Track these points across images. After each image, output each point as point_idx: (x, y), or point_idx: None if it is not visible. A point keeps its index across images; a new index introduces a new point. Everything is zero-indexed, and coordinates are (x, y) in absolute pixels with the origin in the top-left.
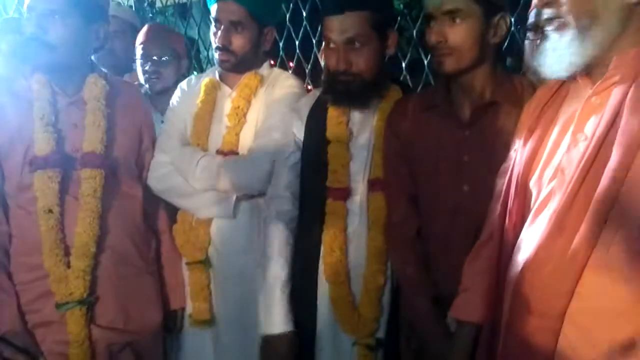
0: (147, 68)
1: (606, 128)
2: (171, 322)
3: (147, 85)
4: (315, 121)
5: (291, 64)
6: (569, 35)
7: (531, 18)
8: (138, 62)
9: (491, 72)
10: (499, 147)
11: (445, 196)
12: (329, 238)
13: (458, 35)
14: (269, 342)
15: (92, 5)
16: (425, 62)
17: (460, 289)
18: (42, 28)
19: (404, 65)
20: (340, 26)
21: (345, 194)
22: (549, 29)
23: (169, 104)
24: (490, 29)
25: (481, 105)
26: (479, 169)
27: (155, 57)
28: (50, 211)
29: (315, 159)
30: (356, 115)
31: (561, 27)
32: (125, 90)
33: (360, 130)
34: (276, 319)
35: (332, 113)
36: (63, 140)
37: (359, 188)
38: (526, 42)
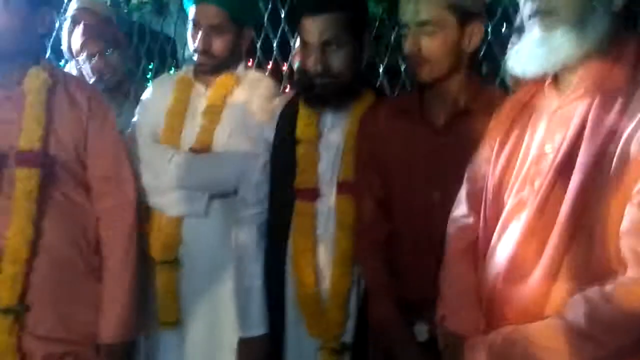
0: (93, 65)
1: (571, 142)
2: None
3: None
4: (286, 121)
5: (268, 66)
6: (562, 30)
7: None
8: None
9: (466, 80)
10: (471, 155)
11: (416, 202)
12: (297, 240)
13: (432, 45)
14: (245, 345)
15: None
16: (402, 68)
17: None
18: None
19: (381, 71)
20: (317, 28)
21: (314, 194)
22: (538, 23)
23: (125, 97)
24: (465, 37)
25: (455, 113)
26: (451, 177)
27: (99, 52)
28: None
29: (285, 159)
30: (328, 116)
31: (554, 22)
32: (73, 83)
33: (331, 131)
34: (253, 321)
35: (303, 113)
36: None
37: (328, 189)
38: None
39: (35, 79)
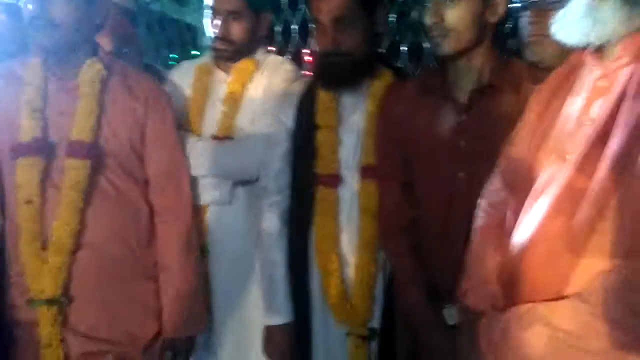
0: None
1: (611, 111)
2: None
3: None
4: (306, 107)
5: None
6: (611, 2)
7: None
8: None
9: (490, 53)
10: (496, 133)
11: (440, 183)
12: (320, 226)
13: (455, 15)
14: (271, 333)
15: None
16: (428, 46)
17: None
18: (44, 6)
19: (405, 49)
20: (327, 6)
21: (336, 180)
22: None
23: None
24: (488, 8)
25: (479, 88)
26: (476, 155)
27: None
28: (30, 202)
29: (305, 145)
30: (347, 100)
31: None
32: (132, 78)
33: (351, 115)
34: (278, 309)
35: (322, 98)
36: (50, 127)
37: (350, 175)
38: (521, 20)
39: (90, 71)
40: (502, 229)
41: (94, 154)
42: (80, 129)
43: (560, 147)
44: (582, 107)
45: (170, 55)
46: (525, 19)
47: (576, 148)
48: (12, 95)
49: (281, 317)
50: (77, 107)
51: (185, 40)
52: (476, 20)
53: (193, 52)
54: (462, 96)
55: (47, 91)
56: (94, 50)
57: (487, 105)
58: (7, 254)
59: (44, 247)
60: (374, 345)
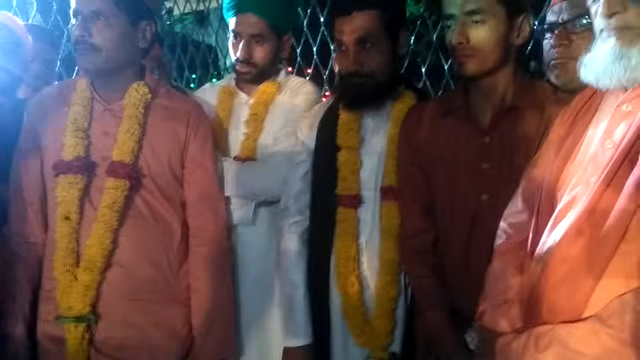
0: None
1: (635, 134)
2: None
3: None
4: (327, 128)
5: (309, 70)
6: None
7: (551, 17)
8: None
9: (513, 75)
10: (519, 155)
11: (463, 206)
12: (340, 248)
13: (481, 35)
14: (290, 354)
15: (137, 5)
16: (446, 67)
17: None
18: (87, 31)
19: (423, 70)
20: (350, 27)
21: (356, 201)
22: (613, 34)
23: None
24: (514, 30)
25: (502, 110)
26: (499, 177)
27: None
28: (68, 218)
29: (326, 166)
30: (369, 121)
31: (633, 37)
32: (174, 101)
33: (373, 136)
34: (297, 330)
35: (344, 119)
36: (93, 147)
37: (371, 196)
38: (544, 41)
39: (135, 93)
40: (523, 250)
41: (132, 175)
42: (121, 150)
43: (583, 169)
44: (605, 130)
45: (192, 77)
46: (548, 42)
47: (599, 171)
48: (59, 114)
49: (300, 339)
50: (120, 129)
51: (206, 61)
52: (501, 41)
53: (214, 73)
54: (485, 118)
55: (93, 112)
56: (141, 74)
57: (510, 128)
58: (44, 269)
59: (77, 264)
60: None
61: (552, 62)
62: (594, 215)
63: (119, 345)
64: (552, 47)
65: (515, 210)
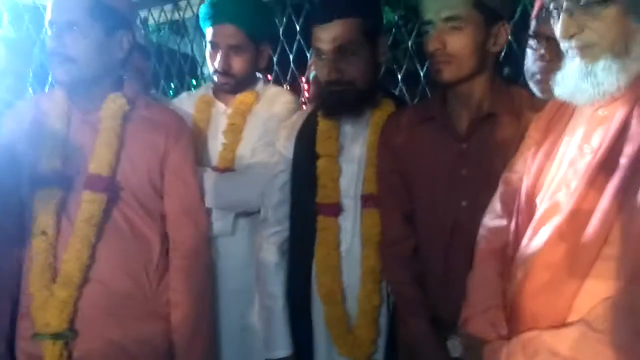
0: None
1: (613, 138)
2: None
3: None
4: (306, 136)
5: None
6: (604, 61)
7: (535, 27)
8: None
9: (490, 82)
10: (498, 160)
11: (443, 212)
12: (321, 257)
13: (458, 42)
14: None
15: (113, 14)
16: (422, 74)
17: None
18: (62, 41)
19: (399, 77)
20: (330, 35)
21: (336, 209)
22: (577, 53)
23: None
24: (491, 37)
25: (479, 116)
26: (478, 183)
27: None
28: (44, 233)
29: (306, 174)
30: (347, 129)
31: (596, 53)
32: (154, 112)
33: (352, 144)
34: (277, 342)
35: (322, 127)
36: (70, 160)
37: (351, 204)
38: (528, 50)
39: (112, 104)
40: (503, 255)
41: (110, 188)
42: (98, 163)
43: (562, 174)
44: (582, 135)
45: (169, 85)
46: (533, 53)
47: (578, 176)
48: (34, 128)
49: (281, 351)
50: (97, 141)
51: (182, 70)
52: (478, 48)
53: (191, 82)
54: (462, 125)
55: (69, 124)
56: (119, 85)
57: (488, 134)
58: (22, 285)
59: (53, 280)
60: None
61: (537, 75)
62: (576, 219)
63: None
64: (538, 59)
65: (494, 216)
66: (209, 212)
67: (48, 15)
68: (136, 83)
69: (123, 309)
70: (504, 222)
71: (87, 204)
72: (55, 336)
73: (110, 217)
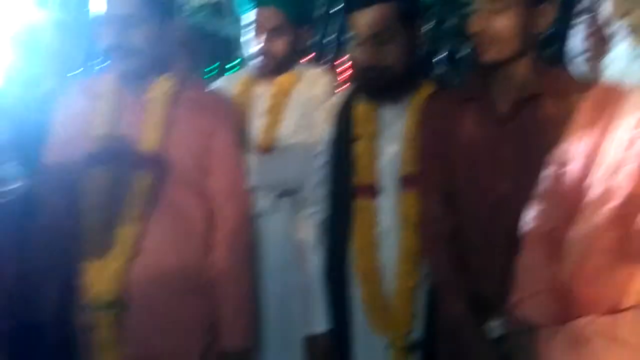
0: None
1: None
2: None
3: None
4: (344, 118)
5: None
6: None
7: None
8: None
9: (534, 63)
10: (541, 142)
11: (483, 194)
12: (359, 237)
13: (503, 22)
14: (310, 342)
15: (166, 4)
16: (464, 55)
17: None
18: (124, 35)
19: (441, 57)
20: (366, 21)
21: (374, 191)
22: (630, 37)
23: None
24: (536, 17)
25: (522, 98)
26: (520, 165)
27: None
28: (96, 209)
29: (344, 156)
30: (386, 112)
31: None
32: (202, 94)
33: (391, 126)
34: (316, 318)
35: (361, 109)
36: (121, 139)
37: (389, 185)
38: (577, 28)
39: (161, 86)
40: (552, 238)
41: (158, 167)
42: (145, 142)
43: (614, 158)
44: (637, 120)
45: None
46: (579, 32)
47: (633, 160)
48: (87, 108)
49: (320, 326)
50: (146, 121)
51: (221, 53)
52: (523, 29)
53: (229, 65)
54: (505, 106)
55: (121, 105)
56: (169, 66)
57: (531, 116)
58: (75, 257)
59: (105, 253)
60: (416, 356)
61: (587, 53)
62: (632, 203)
63: (147, 334)
64: (591, 36)
65: (541, 198)
66: (252, 191)
67: (104, 9)
68: (185, 65)
69: (170, 284)
70: (551, 204)
71: (136, 182)
72: (107, 306)
73: (158, 195)
